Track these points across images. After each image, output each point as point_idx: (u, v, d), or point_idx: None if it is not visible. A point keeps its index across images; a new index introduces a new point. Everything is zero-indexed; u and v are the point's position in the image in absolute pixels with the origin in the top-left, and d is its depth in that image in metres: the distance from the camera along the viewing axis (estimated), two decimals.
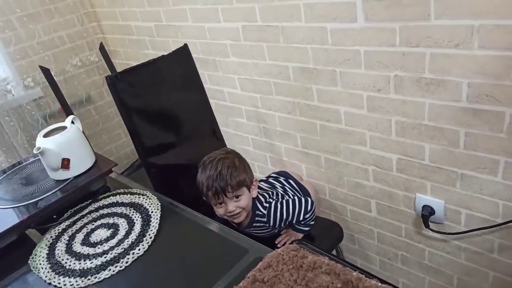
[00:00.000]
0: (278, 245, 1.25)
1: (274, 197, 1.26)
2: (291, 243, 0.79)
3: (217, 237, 0.93)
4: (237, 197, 1.13)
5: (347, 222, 1.55)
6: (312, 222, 1.28)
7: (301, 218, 1.23)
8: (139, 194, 1.09)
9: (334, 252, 1.45)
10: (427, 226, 1.25)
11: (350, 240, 1.60)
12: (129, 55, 2.11)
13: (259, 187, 1.26)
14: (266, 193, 1.27)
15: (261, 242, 0.86)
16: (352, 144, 1.33)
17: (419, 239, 1.35)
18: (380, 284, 0.60)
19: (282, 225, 1.24)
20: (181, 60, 1.39)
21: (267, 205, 1.21)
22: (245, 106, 1.63)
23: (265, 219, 1.21)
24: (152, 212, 1.00)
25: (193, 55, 1.42)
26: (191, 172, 1.19)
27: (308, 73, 1.31)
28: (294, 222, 1.24)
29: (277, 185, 1.36)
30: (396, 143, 1.21)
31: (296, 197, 1.26)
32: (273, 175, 1.42)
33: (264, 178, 1.42)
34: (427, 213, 1.23)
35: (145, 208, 1.02)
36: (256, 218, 1.21)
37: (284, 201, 1.24)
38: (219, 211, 1.15)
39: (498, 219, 1.10)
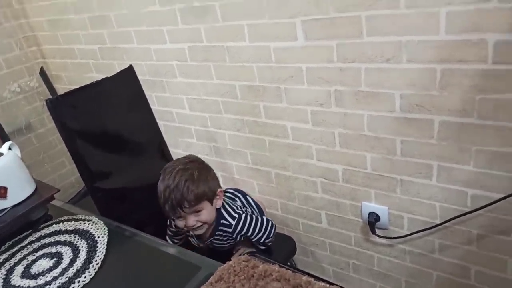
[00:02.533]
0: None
1: (243, 210, 1.25)
2: (248, 254, 0.80)
3: (168, 257, 0.91)
4: (197, 211, 1.08)
5: (299, 235, 1.58)
6: (270, 244, 1.28)
7: (262, 240, 1.23)
8: (84, 220, 1.04)
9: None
10: (374, 233, 1.31)
11: (303, 253, 1.62)
12: (73, 80, 2.05)
13: (227, 196, 1.25)
14: (232, 204, 1.25)
15: (215, 258, 0.85)
16: (300, 158, 1.38)
17: (367, 246, 1.40)
18: (328, 285, 0.62)
19: (240, 239, 1.23)
20: (126, 82, 1.37)
21: (237, 215, 1.18)
22: (195, 126, 1.63)
23: (230, 230, 1.18)
24: (98, 237, 0.96)
25: (140, 77, 1.42)
26: (140, 195, 1.17)
27: (255, 90, 1.34)
28: (254, 241, 1.24)
29: (237, 198, 1.36)
30: (340, 155, 1.27)
31: (264, 218, 1.25)
32: (229, 190, 1.41)
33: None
34: (373, 220, 1.29)
35: (91, 234, 0.98)
36: (220, 228, 1.18)
37: (254, 216, 1.23)
38: (179, 223, 1.10)
39: (436, 220, 1.17)
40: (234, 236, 1.20)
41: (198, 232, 1.14)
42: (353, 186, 1.30)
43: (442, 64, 0.96)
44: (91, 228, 1.01)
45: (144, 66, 1.62)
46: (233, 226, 1.18)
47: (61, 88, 2.09)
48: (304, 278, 0.63)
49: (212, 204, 1.12)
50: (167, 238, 1.33)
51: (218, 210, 1.17)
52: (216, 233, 1.19)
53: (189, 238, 1.28)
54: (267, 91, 1.31)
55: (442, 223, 1.15)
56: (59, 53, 2.01)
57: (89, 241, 0.95)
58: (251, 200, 1.39)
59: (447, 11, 0.89)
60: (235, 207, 1.22)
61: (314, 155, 1.33)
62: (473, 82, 0.93)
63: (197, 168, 1.10)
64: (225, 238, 1.21)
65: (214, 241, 1.22)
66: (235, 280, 0.66)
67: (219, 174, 1.69)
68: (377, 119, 1.13)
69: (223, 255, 0.97)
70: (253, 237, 1.22)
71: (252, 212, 1.32)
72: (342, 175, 1.30)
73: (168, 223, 1.30)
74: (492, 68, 0.89)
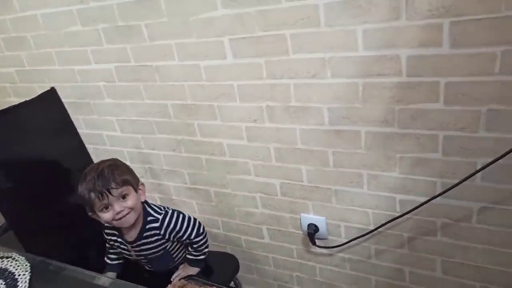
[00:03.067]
0: (172, 281, 1.18)
1: (169, 209, 1.22)
2: (186, 278, 0.77)
3: None
4: (123, 197, 1.06)
5: (243, 252, 1.56)
6: (206, 250, 1.24)
7: (192, 237, 1.19)
8: (2, 257, 0.95)
9: (232, 284, 1.44)
10: (313, 243, 1.33)
11: (247, 270, 1.61)
12: None
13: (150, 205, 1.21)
14: (159, 205, 1.23)
15: (156, 279, 0.81)
16: (238, 174, 1.37)
17: (309, 257, 1.42)
18: None
19: (172, 238, 1.18)
20: (48, 105, 1.29)
21: (163, 212, 1.17)
22: (127, 148, 1.57)
23: (157, 224, 1.14)
24: (19, 275, 0.88)
25: (64, 100, 1.34)
26: (73, 226, 1.09)
27: (188, 109, 1.33)
28: (184, 239, 1.19)
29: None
30: (277, 169, 1.28)
31: (191, 216, 1.22)
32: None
33: None
34: (312, 231, 1.31)
35: (10, 272, 0.89)
36: (148, 226, 1.14)
37: (180, 213, 1.20)
38: (106, 216, 1.05)
39: (370, 226, 1.23)
40: (163, 233, 1.15)
41: (126, 223, 1.08)
42: (291, 199, 1.32)
43: (363, 78, 1.01)
44: (11, 266, 0.92)
45: (68, 88, 1.53)
46: (160, 220, 1.15)
47: None
48: None
49: (136, 192, 1.11)
50: (105, 258, 1.27)
51: (143, 208, 1.15)
52: (144, 234, 1.15)
53: (121, 250, 1.22)
54: (200, 109, 1.30)
55: (375, 229, 1.20)
56: None
57: (8, 280, 0.86)
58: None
59: (364, 28, 0.95)
60: (161, 208, 1.21)
61: (251, 171, 1.34)
62: (391, 93, 1.00)
63: (118, 160, 1.15)
64: (154, 239, 1.16)
65: (144, 245, 1.17)
66: None
67: (156, 196, 1.64)
68: (308, 133, 1.16)
69: (161, 278, 0.93)
70: (182, 233, 1.17)
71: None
72: (280, 189, 1.32)
73: (107, 245, 1.24)
74: (407, 81, 0.96)
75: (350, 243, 1.28)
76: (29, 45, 1.53)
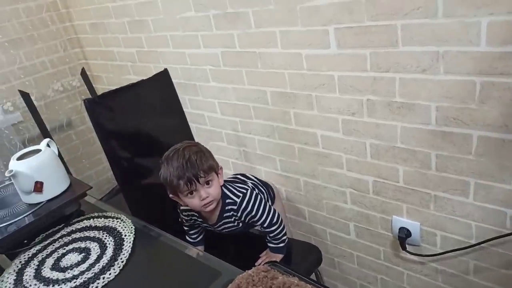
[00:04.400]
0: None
1: (247, 186, 1.23)
2: (269, 263, 0.79)
3: (191, 260, 0.92)
4: (208, 183, 1.09)
5: (327, 245, 1.55)
6: (284, 237, 1.24)
7: (266, 225, 1.19)
8: (113, 217, 1.08)
9: (313, 276, 1.44)
10: (404, 249, 1.26)
11: (330, 264, 1.59)
12: (111, 81, 2.12)
13: (229, 180, 1.24)
14: (237, 182, 1.24)
15: (238, 261, 0.85)
16: (330, 167, 1.35)
17: (397, 262, 1.35)
18: None
19: (248, 221, 1.20)
20: (161, 85, 1.41)
21: (241, 194, 1.18)
22: (225, 130, 1.64)
23: (235, 207, 1.17)
24: (125, 235, 0.99)
25: (174, 80, 1.45)
26: (168, 197, 1.19)
27: (286, 97, 1.33)
28: (259, 224, 1.21)
29: (246, 180, 1.35)
30: (371, 166, 1.23)
31: (268, 202, 1.23)
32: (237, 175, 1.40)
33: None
34: (403, 235, 1.24)
35: (118, 231, 1.01)
36: (227, 208, 1.17)
37: (259, 194, 1.21)
38: (193, 202, 1.10)
39: (472, 240, 1.11)
40: (239, 215, 1.18)
41: (209, 208, 1.12)
42: (383, 199, 1.26)
43: (482, 76, 0.91)
44: (119, 226, 1.03)
45: (178, 69, 1.66)
46: (237, 203, 1.16)
47: (101, 88, 2.18)
48: None
49: (218, 178, 1.14)
50: (186, 237, 1.34)
51: (222, 191, 1.16)
52: (224, 215, 1.18)
53: (203, 227, 1.28)
54: (298, 98, 1.30)
55: (478, 243, 1.09)
56: (100, 55, 2.10)
57: (116, 238, 0.98)
58: (254, 178, 1.38)
59: (489, 21, 0.85)
60: (239, 188, 1.21)
61: (344, 165, 1.30)
62: None
63: (198, 144, 1.16)
64: (232, 219, 1.20)
65: (225, 224, 1.21)
66: None
67: None
68: (411, 131, 1.09)
69: (246, 261, 0.96)
70: (257, 218, 1.18)
71: (262, 193, 1.31)
72: (372, 187, 1.27)
73: (179, 220, 1.30)
74: None
75: (446, 254, 1.18)
76: (149, 28, 1.68)
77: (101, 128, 1.24)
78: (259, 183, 1.37)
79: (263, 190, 1.36)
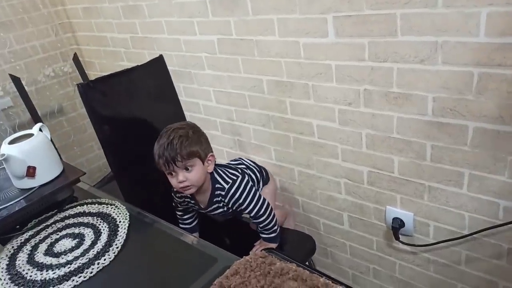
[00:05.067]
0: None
1: (238, 173, 1.21)
2: (266, 250, 0.79)
3: (186, 247, 0.91)
4: (187, 168, 1.10)
5: (320, 235, 1.55)
6: (275, 227, 1.22)
7: (253, 214, 1.18)
8: (107, 204, 1.06)
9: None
10: (397, 239, 1.27)
11: (323, 253, 1.60)
12: (104, 67, 2.09)
13: (222, 165, 1.23)
14: (230, 168, 1.23)
15: (233, 250, 0.85)
16: (325, 157, 1.35)
17: (390, 252, 1.36)
18: None
19: (235, 209, 1.19)
20: (156, 71, 1.39)
21: (230, 180, 1.17)
22: (220, 118, 1.63)
23: (223, 193, 1.17)
24: (120, 221, 0.98)
25: (169, 67, 1.43)
26: (162, 184, 1.18)
27: (282, 86, 1.33)
28: (246, 213, 1.19)
29: (233, 162, 1.34)
30: (366, 156, 1.23)
31: (258, 191, 1.21)
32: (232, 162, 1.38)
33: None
34: (397, 226, 1.25)
35: (112, 218, 1.00)
36: (216, 193, 1.17)
37: (249, 182, 1.20)
38: (172, 181, 1.12)
39: (465, 230, 1.13)
40: (227, 201, 1.17)
41: (187, 192, 1.14)
42: (378, 189, 1.27)
43: (479, 67, 0.91)
44: (114, 212, 1.02)
45: (173, 56, 1.63)
46: (226, 189, 1.16)
47: (93, 74, 2.15)
48: (322, 279, 0.61)
49: (203, 164, 1.13)
50: (180, 223, 1.33)
51: (212, 177, 1.17)
52: (214, 199, 1.18)
53: (196, 210, 1.27)
54: (295, 87, 1.29)
55: (471, 234, 1.10)
56: (92, 41, 2.06)
57: (110, 224, 0.97)
58: (253, 164, 1.36)
59: (488, 11, 0.85)
60: (230, 174, 1.20)
61: (339, 155, 1.31)
62: None
63: (191, 129, 1.14)
64: (221, 205, 1.19)
65: (215, 210, 1.21)
66: (251, 276, 0.65)
67: None
68: (407, 122, 1.09)
69: (241, 250, 0.96)
70: (245, 207, 1.17)
71: (254, 174, 1.31)
72: (367, 177, 1.27)
73: (173, 204, 1.30)
74: None
75: (439, 244, 1.19)
76: (144, 13, 1.65)
77: (94, 113, 1.22)
78: (254, 166, 1.36)
79: (256, 172, 1.34)
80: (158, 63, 1.38)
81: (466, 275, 1.19)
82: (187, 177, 1.09)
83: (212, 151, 1.16)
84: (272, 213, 1.22)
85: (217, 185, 1.17)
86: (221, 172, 1.19)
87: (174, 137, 1.08)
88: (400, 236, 1.27)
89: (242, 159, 1.37)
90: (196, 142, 1.11)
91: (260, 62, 1.34)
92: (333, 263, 1.59)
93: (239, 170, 1.24)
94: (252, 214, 1.19)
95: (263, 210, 1.19)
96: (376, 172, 1.24)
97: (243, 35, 1.34)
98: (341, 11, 1.07)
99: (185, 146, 1.08)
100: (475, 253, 1.14)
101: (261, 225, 1.22)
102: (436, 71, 0.98)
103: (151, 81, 1.37)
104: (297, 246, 1.35)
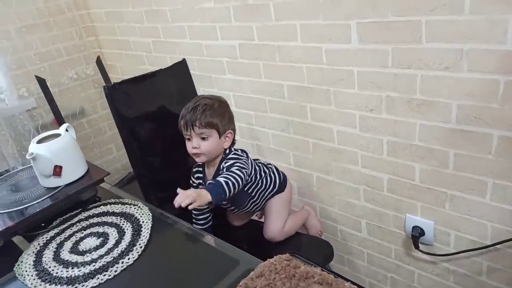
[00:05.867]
0: (175, 204, 0.98)
1: (243, 156, 1.21)
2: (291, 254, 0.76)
3: (208, 249, 0.92)
4: (204, 138, 1.15)
5: (337, 242, 1.55)
6: (234, 182, 1.07)
7: (228, 164, 1.14)
8: (130, 204, 1.08)
9: None
10: (417, 247, 1.26)
11: (339, 261, 1.59)
12: (126, 70, 2.13)
13: (239, 153, 1.21)
14: (243, 158, 1.19)
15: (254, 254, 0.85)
16: (344, 163, 1.35)
17: (408, 260, 1.35)
18: None
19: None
20: (178, 75, 1.41)
21: (235, 156, 1.18)
22: (239, 123, 1.64)
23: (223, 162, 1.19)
24: (143, 222, 0.99)
25: (190, 71, 1.45)
26: (183, 186, 1.19)
27: (303, 91, 1.33)
28: (226, 166, 1.16)
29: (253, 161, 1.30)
30: (387, 163, 1.23)
31: (247, 171, 1.16)
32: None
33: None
34: (417, 234, 1.24)
35: (136, 218, 1.01)
36: (221, 167, 1.18)
37: (248, 161, 1.20)
38: (187, 145, 1.19)
39: (487, 241, 1.11)
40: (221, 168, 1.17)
41: (198, 160, 1.19)
42: (398, 197, 1.26)
43: (506, 75, 0.90)
44: (137, 212, 1.04)
45: (194, 61, 1.66)
46: (228, 160, 1.17)
47: (115, 77, 2.18)
48: (347, 284, 0.61)
49: (220, 137, 1.17)
50: (193, 221, 1.33)
51: (224, 153, 1.20)
52: (219, 172, 1.18)
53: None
54: (316, 92, 1.30)
55: (493, 244, 1.08)
56: (115, 44, 2.10)
57: (134, 225, 0.99)
58: (277, 174, 1.33)
59: None
60: (240, 154, 1.20)
61: (359, 162, 1.30)
62: None
63: (219, 102, 1.19)
64: None
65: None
66: (276, 278, 0.65)
67: None
68: (430, 129, 1.08)
69: (262, 253, 0.96)
70: (228, 165, 1.14)
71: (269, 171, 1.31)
72: (387, 184, 1.26)
73: (190, 182, 1.33)
74: None
75: (459, 254, 1.18)
76: (166, 18, 1.68)
77: (119, 114, 1.24)
78: (277, 174, 1.33)
79: (276, 180, 1.31)
80: (181, 66, 1.41)
81: (487, 286, 1.17)
82: (200, 145, 1.15)
83: (233, 130, 1.22)
84: (241, 182, 1.10)
85: (225, 161, 1.19)
86: (235, 152, 1.21)
87: (200, 104, 1.15)
88: (419, 245, 1.26)
89: (272, 165, 1.36)
90: (218, 115, 1.16)
91: (282, 67, 1.35)
92: (349, 271, 1.58)
93: (250, 162, 1.22)
94: (227, 164, 1.15)
95: (238, 171, 1.11)
96: (396, 180, 1.23)
97: (265, 40, 1.35)
98: (366, 18, 1.07)
99: (206, 115, 1.13)
100: (497, 264, 1.12)
101: (224, 172, 1.13)
102: (461, 78, 0.97)
103: (174, 84, 1.39)
104: (315, 252, 1.35)
